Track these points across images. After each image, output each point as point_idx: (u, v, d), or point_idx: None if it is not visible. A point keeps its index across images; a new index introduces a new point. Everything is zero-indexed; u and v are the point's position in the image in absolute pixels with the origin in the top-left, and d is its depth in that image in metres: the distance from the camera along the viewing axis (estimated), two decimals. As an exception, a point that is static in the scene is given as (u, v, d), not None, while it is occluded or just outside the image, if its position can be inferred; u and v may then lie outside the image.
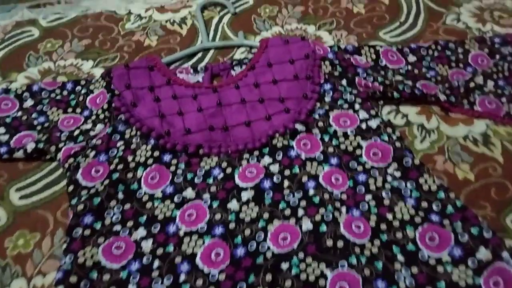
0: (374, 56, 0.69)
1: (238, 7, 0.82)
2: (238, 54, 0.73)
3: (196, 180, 0.55)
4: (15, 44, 0.78)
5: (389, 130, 0.59)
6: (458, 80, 0.64)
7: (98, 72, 0.71)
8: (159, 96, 0.63)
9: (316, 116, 0.60)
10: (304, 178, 0.54)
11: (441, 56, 0.69)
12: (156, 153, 0.57)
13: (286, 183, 0.54)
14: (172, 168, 0.56)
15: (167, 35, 0.77)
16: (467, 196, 0.53)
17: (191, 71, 0.69)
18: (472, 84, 0.64)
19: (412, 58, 0.69)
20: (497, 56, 0.69)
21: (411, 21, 0.78)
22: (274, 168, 0.55)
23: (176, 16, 0.81)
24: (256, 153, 0.57)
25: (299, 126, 0.59)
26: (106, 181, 0.54)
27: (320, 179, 0.54)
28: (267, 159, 0.57)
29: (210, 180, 0.55)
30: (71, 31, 0.79)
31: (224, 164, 0.56)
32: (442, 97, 0.62)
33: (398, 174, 0.54)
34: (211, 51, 0.74)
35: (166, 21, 0.80)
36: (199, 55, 0.73)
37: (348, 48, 0.69)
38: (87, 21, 0.80)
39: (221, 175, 0.55)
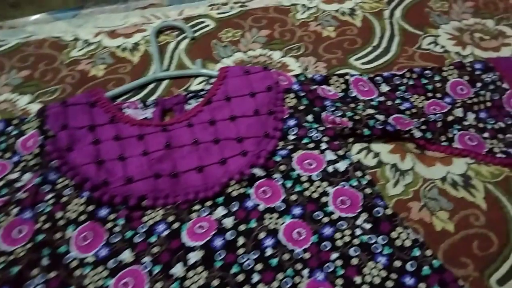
0: (343, 86, 0.62)
1: (198, 30, 0.75)
2: (195, 85, 0.66)
3: (136, 239, 0.47)
4: None
5: (359, 173, 0.52)
6: (435, 113, 0.58)
7: (35, 108, 0.63)
8: (99, 137, 0.55)
9: (278, 159, 0.53)
10: (261, 234, 0.47)
11: (417, 85, 0.63)
12: (91, 208, 0.49)
13: (240, 240, 0.47)
14: (109, 225, 0.48)
15: (116, 64, 0.70)
16: (446, 252, 0.47)
17: (140, 105, 0.61)
18: (450, 118, 0.58)
19: (385, 88, 0.63)
20: (478, 84, 0.63)
21: (385, 45, 0.72)
22: (228, 222, 0.48)
23: (128, 42, 0.73)
24: (208, 204, 0.50)
25: (257, 171, 0.52)
26: (29, 244, 0.46)
27: (280, 235, 0.47)
28: (220, 211, 0.49)
29: (153, 239, 0.47)
30: (10, 61, 0.71)
31: (170, 218, 0.49)
32: (417, 134, 0.56)
33: (368, 226, 0.48)
34: (165, 82, 0.66)
35: (117, 47, 0.72)
36: (151, 86, 0.66)
37: (316, 78, 0.63)
38: (28, 49, 0.72)
39: (166, 232, 0.48)
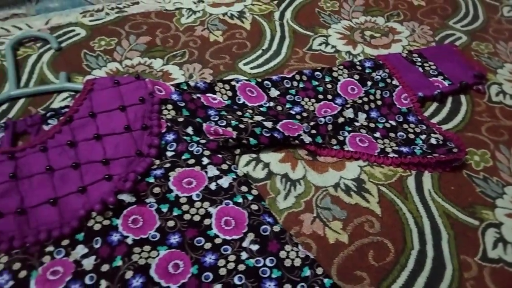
0: (230, 93, 0.57)
1: (66, 40, 0.66)
2: (58, 102, 0.57)
3: (-32, 299, 0.37)
4: None
5: (244, 188, 0.46)
6: (325, 116, 0.54)
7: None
8: None
9: (151, 180, 0.46)
10: (128, 274, 0.39)
11: (307, 87, 0.59)
12: None
13: (103, 284, 0.39)
14: None
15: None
16: (340, 266, 0.43)
17: (-14, 130, 0.51)
18: (341, 119, 0.54)
19: (274, 93, 0.58)
20: (369, 83, 0.60)
21: (275, 47, 0.67)
22: (88, 263, 0.40)
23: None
24: (65, 243, 0.41)
25: (126, 197, 0.44)
26: None
27: (152, 272, 0.40)
28: (80, 250, 0.41)
29: (-9, 295, 0.38)
30: (122, 28, 0.67)
31: (16, 266, 0.40)
32: (307, 139, 0.51)
33: (255, 247, 0.42)
34: (21, 101, 0.56)
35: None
36: (4, 107, 0.56)
37: (200, 85, 0.57)
38: (136, 18, 0.66)
39: (10, 283, 0.38)
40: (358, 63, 0.63)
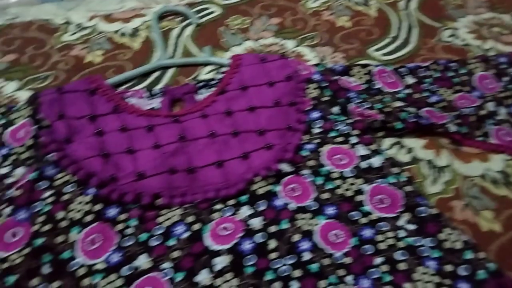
0: (366, 78, 0.58)
1: (203, 17, 0.69)
2: (204, 74, 0.60)
3: (152, 243, 0.41)
4: None
5: (396, 170, 0.47)
6: (467, 107, 0.54)
7: (24, 95, 0.55)
8: (102, 128, 0.48)
9: (305, 153, 0.48)
10: (296, 237, 0.41)
11: (443, 77, 0.59)
12: (98, 207, 0.42)
13: (272, 243, 0.41)
14: (120, 226, 0.42)
15: (115, 50, 0.63)
16: (496, 254, 0.43)
17: (145, 95, 0.55)
18: (483, 112, 0.54)
19: (410, 80, 0.59)
20: (505, 78, 0.59)
21: (404, 36, 0.68)
22: (256, 223, 0.43)
23: (127, 27, 0.67)
24: (231, 202, 0.44)
25: (285, 167, 0.46)
26: (26, 250, 0.39)
27: (316, 238, 0.42)
28: (246, 211, 0.44)
29: (172, 242, 0.41)
30: None
31: (190, 219, 0.43)
32: (453, 128, 0.52)
33: (412, 227, 0.43)
34: (170, 70, 0.60)
35: (115, 32, 0.66)
36: (156, 74, 0.59)
37: (336, 68, 0.58)
38: (13, 31, 0.64)
39: (187, 234, 0.42)
40: (492, 58, 0.62)
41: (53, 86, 0.56)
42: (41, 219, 0.41)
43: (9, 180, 0.44)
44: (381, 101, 0.54)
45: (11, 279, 0.37)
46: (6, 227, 0.40)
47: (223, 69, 0.58)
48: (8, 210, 0.41)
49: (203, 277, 0.39)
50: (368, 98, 0.54)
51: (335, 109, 0.52)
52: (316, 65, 0.58)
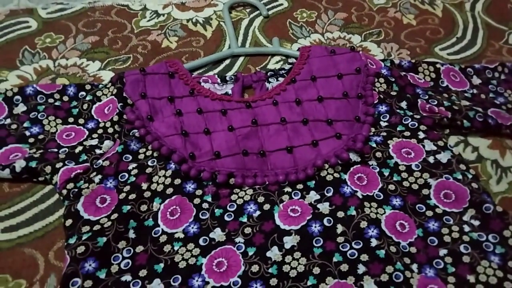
0: (433, 75, 0.59)
1: (271, 9, 0.71)
2: (272, 64, 0.62)
3: (226, 218, 0.44)
4: (8, 37, 0.65)
5: (463, 166, 0.48)
6: (536, 110, 0.54)
7: (106, 75, 0.59)
8: (180, 109, 0.52)
9: (373, 145, 0.50)
10: (363, 223, 0.43)
11: (509, 80, 0.59)
12: (177, 181, 0.45)
13: (339, 228, 0.43)
14: (197, 200, 0.45)
15: (189, 37, 0.66)
16: None
17: (218, 80, 0.58)
18: (552, 116, 0.54)
19: (476, 81, 0.59)
20: None
21: (469, 37, 0.68)
22: (324, 207, 0.44)
23: (199, 16, 0.70)
24: (299, 186, 0.47)
25: (353, 156, 0.48)
26: (115, 215, 0.43)
27: (383, 225, 0.43)
28: (313, 196, 0.46)
29: (244, 219, 0.44)
30: (76, 25, 0.67)
31: (260, 199, 0.45)
32: (520, 130, 0.52)
33: (476, 223, 0.44)
34: (241, 59, 0.63)
35: (188, 21, 0.69)
36: (227, 62, 0.62)
37: (403, 64, 0.59)
38: (95, 15, 0.69)
39: (257, 212, 0.44)
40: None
41: (133, 68, 0.59)
42: (127, 188, 0.45)
43: (97, 151, 0.47)
44: (449, 99, 0.55)
45: (102, 240, 0.41)
46: (96, 193, 0.44)
47: (291, 60, 0.60)
48: (97, 178, 0.45)
49: (274, 253, 0.41)
50: (435, 95, 0.55)
51: (403, 104, 0.53)
52: (383, 60, 0.59)
